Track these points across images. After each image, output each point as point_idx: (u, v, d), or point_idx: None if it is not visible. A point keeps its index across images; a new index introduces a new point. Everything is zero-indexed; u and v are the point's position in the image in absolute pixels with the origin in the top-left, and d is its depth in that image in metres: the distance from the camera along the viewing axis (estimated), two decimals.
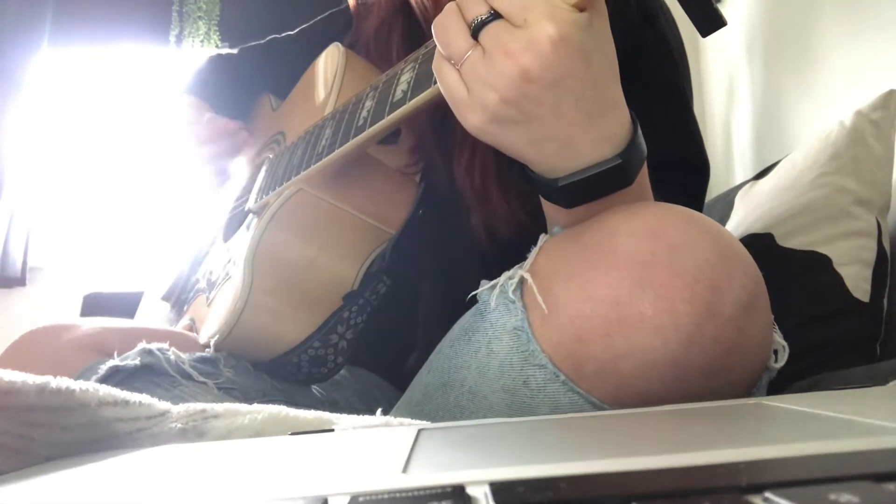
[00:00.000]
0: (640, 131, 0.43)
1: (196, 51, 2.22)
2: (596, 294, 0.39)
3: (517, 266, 0.46)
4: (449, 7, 0.41)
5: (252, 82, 0.89)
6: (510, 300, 0.44)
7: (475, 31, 0.40)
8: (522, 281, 0.44)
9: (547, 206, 0.49)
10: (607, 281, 0.39)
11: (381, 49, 0.71)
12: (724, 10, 1.53)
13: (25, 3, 2.14)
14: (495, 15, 0.39)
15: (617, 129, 0.42)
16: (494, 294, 0.45)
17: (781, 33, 1.36)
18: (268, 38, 0.90)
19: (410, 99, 0.48)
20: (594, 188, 0.43)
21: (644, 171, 0.46)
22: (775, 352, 0.43)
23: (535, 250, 0.45)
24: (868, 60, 1.06)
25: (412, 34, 0.70)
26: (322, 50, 0.73)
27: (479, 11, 0.40)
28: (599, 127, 0.41)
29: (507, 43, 0.38)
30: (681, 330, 0.37)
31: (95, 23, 2.24)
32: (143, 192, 2.18)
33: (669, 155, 0.61)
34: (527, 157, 0.43)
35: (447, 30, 0.41)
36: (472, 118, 0.41)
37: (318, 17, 0.87)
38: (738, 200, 1.05)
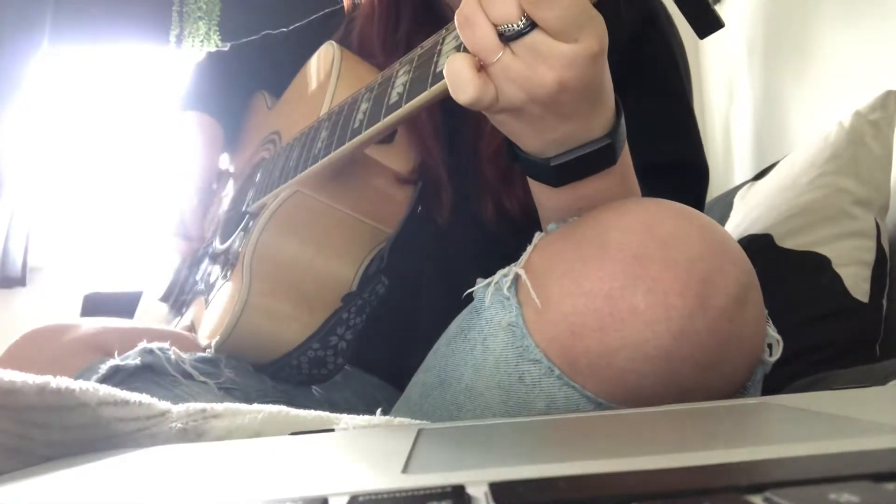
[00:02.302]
0: (623, 113, 0.45)
1: (196, 51, 2.22)
2: (589, 289, 0.39)
3: (512, 264, 0.46)
4: (471, 2, 0.39)
5: (246, 80, 0.89)
6: (505, 297, 0.44)
7: (509, 38, 0.38)
8: (517, 278, 0.44)
9: (535, 186, 0.50)
10: (600, 276, 0.39)
11: (382, 43, 0.70)
12: (724, 10, 1.53)
13: (26, 1, 2.14)
14: (531, 24, 0.37)
15: (609, 113, 0.44)
16: (489, 291, 0.45)
17: (781, 33, 1.36)
18: (261, 34, 0.90)
19: (406, 101, 0.48)
20: (584, 167, 0.45)
21: (626, 152, 0.48)
22: (770, 346, 0.43)
23: (529, 248, 0.46)
24: (867, 61, 1.06)
25: (419, 25, 0.69)
26: (317, 47, 0.73)
27: (509, 17, 0.37)
28: (598, 115, 0.43)
29: (549, 57, 0.38)
30: (673, 323, 0.37)
31: (95, 23, 2.24)
32: (142, 192, 2.17)
33: (669, 157, 0.61)
34: (526, 140, 0.44)
35: (474, 27, 0.39)
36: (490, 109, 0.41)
37: (315, 16, 0.86)
38: (738, 201, 1.05)
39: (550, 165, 0.44)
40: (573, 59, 0.38)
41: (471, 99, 0.39)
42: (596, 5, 0.39)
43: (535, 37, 0.38)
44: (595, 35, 0.38)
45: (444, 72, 0.40)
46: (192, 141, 0.83)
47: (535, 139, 0.44)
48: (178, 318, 0.80)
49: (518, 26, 0.38)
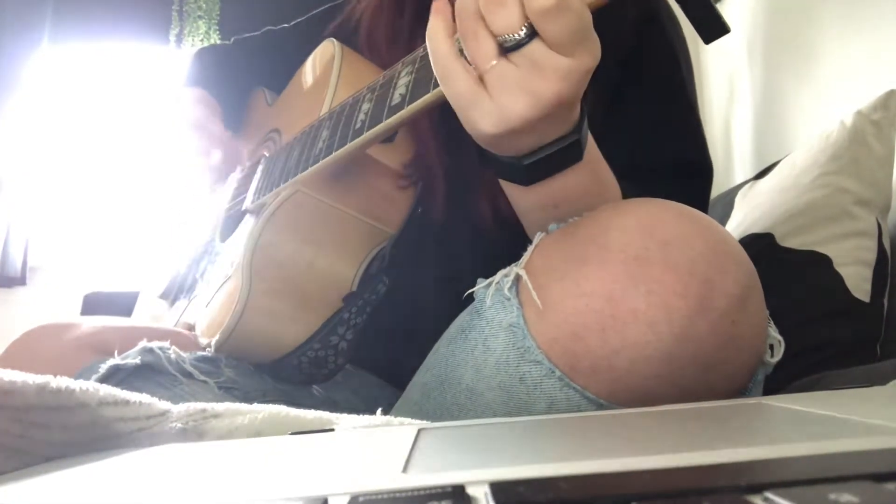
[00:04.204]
0: (585, 109, 0.46)
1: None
2: (590, 290, 0.39)
3: (513, 264, 0.46)
4: (467, 6, 0.40)
5: (248, 75, 0.89)
6: (506, 297, 0.44)
7: (509, 49, 0.39)
8: (518, 278, 0.44)
9: (507, 187, 0.50)
10: (601, 277, 0.39)
11: (387, 35, 0.70)
12: (724, 9, 1.53)
13: (26, 1, 2.14)
14: (530, 33, 0.38)
15: (576, 111, 0.44)
16: (490, 292, 0.45)
17: (781, 33, 1.36)
18: (263, 30, 0.90)
19: (409, 103, 0.48)
20: (554, 164, 0.45)
21: (592, 144, 0.48)
22: (771, 347, 0.43)
23: (530, 248, 0.46)
24: (868, 60, 1.06)
25: (421, 19, 0.69)
26: (319, 43, 0.72)
27: (510, 27, 0.38)
28: (569, 115, 0.43)
29: (548, 69, 0.38)
30: (674, 324, 0.37)
31: (95, 22, 2.24)
32: (142, 191, 2.17)
33: (672, 156, 0.61)
34: (500, 145, 0.44)
35: (471, 33, 0.39)
36: (485, 124, 0.41)
37: (316, 11, 0.86)
38: (739, 200, 1.05)
39: (523, 165, 0.45)
40: (569, 72, 0.38)
41: (458, 92, 0.40)
42: (602, 7, 0.39)
43: (535, 48, 0.38)
44: (590, 52, 0.39)
45: (436, 73, 0.41)
46: (189, 112, 0.81)
47: (509, 143, 0.44)
48: (178, 317, 0.80)
49: (518, 36, 0.38)
